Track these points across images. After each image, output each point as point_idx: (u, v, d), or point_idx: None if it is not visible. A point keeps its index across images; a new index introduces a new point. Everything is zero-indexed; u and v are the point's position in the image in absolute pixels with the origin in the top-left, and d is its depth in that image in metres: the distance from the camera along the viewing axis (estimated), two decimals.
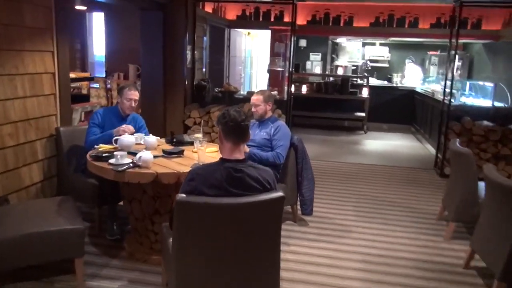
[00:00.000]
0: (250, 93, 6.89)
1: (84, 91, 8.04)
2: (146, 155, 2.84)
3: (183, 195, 2.16)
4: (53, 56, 3.80)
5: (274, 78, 9.51)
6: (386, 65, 11.51)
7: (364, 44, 11.60)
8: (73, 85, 8.09)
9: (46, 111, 3.78)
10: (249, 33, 11.65)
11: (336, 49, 12.02)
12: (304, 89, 9.62)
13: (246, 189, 2.22)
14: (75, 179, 3.76)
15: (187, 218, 2.13)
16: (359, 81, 9.95)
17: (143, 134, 3.57)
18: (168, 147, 3.46)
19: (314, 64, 11.42)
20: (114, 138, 3.33)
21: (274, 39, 9.28)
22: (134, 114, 3.91)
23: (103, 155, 3.01)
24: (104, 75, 10.48)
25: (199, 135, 3.49)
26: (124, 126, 3.50)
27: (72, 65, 9.87)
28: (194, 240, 2.17)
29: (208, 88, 7.13)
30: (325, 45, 11.49)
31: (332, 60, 11.92)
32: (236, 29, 9.62)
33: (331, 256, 3.42)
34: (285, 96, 6.91)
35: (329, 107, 9.46)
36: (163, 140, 3.69)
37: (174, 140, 3.58)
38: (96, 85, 8.76)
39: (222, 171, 2.20)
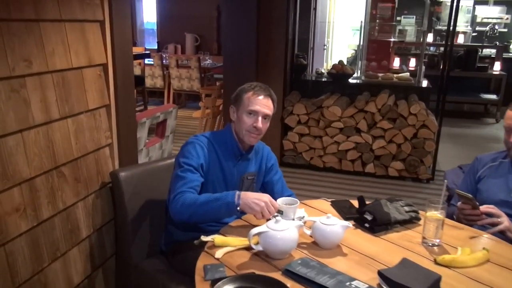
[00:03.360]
0: (372, 76, 4.80)
1: (137, 71, 6.21)
2: None
3: None
4: (104, 30, 1.89)
5: (375, 51, 7.35)
6: (504, 29, 9.06)
7: (475, 3, 9.17)
8: None
9: (93, 142, 1.91)
10: None
11: (436, 11, 9.64)
12: (411, 63, 7.40)
13: None
14: (148, 273, 1.94)
15: None
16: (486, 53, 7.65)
17: (296, 206, 1.64)
18: (362, 237, 1.53)
19: (408, 30, 9.19)
20: (254, 234, 1.41)
21: None
22: (260, 144, 1.99)
23: None
24: (156, 47, 8.65)
25: (439, 215, 1.52)
26: (267, 198, 1.57)
27: None
28: None
29: (308, 68, 5.12)
30: (421, 5, 9.15)
31: (431, 24, 9.58)
32: None
33: None
34: (421, 80, 4.79)
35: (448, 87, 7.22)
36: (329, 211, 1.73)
37: (368, 218, 1.62)
38: (150, 61, 6.90)
39: None
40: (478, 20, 9.27)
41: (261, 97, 1.81)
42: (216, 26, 8.16)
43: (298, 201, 1.65)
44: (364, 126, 4.20)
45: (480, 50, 7.65)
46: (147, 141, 2.73)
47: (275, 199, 2.00)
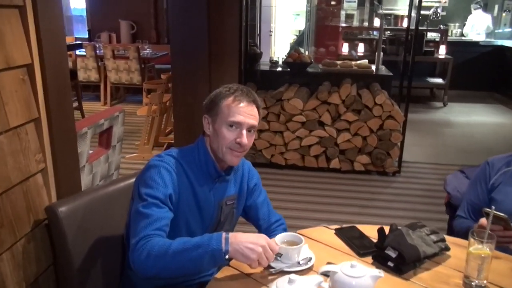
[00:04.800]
0: (331, 64, 4.51)
1: (69, 64, 5.55)
2: None
3: None
4: (25, 19, 1.40)
5: (324, 37, 7.13)
6: (443, 12, 9.17)
7: None
8: None
9: (19, 171, 1.42)
10: None
11: None
12: (360, 49, 7.25)
13: None
14: None
15: None
16: (429, 36, 7.66)
17: (300, 247, 1.27)
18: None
19: (354, 15, 9.05)
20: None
21: None
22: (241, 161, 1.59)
23: None
24: (87, 36, 7.88)
25: (487, 250, 1.21)
26: (264, 241, 1.19)
27: None
28: None
29: (261, 57, 4.76)
30: None
31: (374, 8, 9.54)
32: None
33: None
34: (380, 66, 4.57)
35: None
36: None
37: (392, 255, 1.29)
38: (81, 52, 6.20)
39: None
40: (416, 2, 9.32)
41: (243, 104, 1.41)
42: (154, 12, 7.53)
43: (303, 239, 1.28)
44: (328, 119, 3.91)
45: (425, 34, 7.66)
46: (90, 152, 2.23)
47: (260, 226, 1.64)
